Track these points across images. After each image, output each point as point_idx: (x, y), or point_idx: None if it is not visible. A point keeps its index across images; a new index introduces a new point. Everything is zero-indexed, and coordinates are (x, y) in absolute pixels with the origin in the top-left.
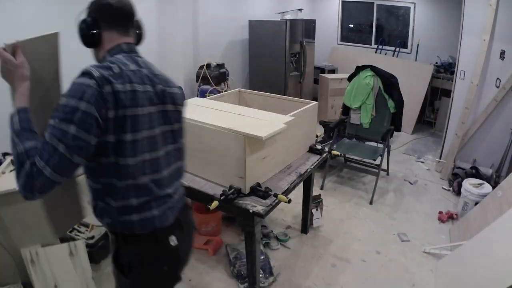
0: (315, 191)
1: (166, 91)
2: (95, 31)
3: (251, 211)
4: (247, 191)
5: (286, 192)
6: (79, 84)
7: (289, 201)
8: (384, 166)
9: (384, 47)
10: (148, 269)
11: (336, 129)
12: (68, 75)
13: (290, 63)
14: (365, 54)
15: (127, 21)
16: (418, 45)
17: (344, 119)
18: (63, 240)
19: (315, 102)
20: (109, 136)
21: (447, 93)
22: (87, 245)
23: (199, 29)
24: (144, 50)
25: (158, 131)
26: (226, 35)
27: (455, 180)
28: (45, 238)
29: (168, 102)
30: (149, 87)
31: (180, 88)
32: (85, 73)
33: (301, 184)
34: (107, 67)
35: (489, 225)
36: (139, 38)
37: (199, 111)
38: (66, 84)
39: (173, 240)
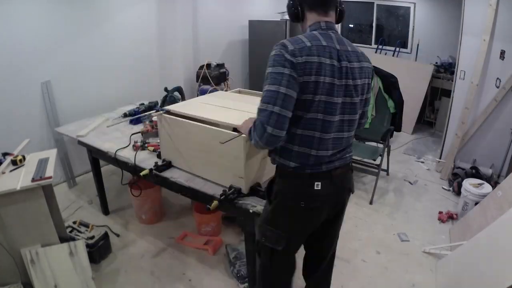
0: None
1: (348, 67)
2: (296, 10)
3: (251, 211)
4: (247, 191)
5: None
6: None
7: None
8: (384, 166)
9: (384, 47)
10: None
11: None
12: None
13: None
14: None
15: (327, 5)
16: (418, 45)
17: None
18: (63, 240)
19: None
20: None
21: (447, 93)
22: (87, 245)
23: (199, 29)
24: (144, 50)
25: (338, 100)
26: (226, 35)
27: (455, 180)
28: (45, 238)
29: (349, 77)
30: (335, 62)
31: (367, 63)
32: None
33: None
34: (299, 41)
35: (489, 225)
36: (340, 18)
37: (202, 108)
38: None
39: (317, 185)
